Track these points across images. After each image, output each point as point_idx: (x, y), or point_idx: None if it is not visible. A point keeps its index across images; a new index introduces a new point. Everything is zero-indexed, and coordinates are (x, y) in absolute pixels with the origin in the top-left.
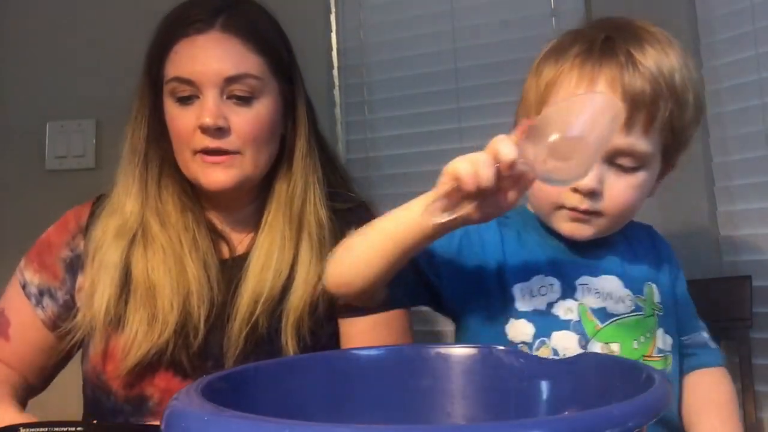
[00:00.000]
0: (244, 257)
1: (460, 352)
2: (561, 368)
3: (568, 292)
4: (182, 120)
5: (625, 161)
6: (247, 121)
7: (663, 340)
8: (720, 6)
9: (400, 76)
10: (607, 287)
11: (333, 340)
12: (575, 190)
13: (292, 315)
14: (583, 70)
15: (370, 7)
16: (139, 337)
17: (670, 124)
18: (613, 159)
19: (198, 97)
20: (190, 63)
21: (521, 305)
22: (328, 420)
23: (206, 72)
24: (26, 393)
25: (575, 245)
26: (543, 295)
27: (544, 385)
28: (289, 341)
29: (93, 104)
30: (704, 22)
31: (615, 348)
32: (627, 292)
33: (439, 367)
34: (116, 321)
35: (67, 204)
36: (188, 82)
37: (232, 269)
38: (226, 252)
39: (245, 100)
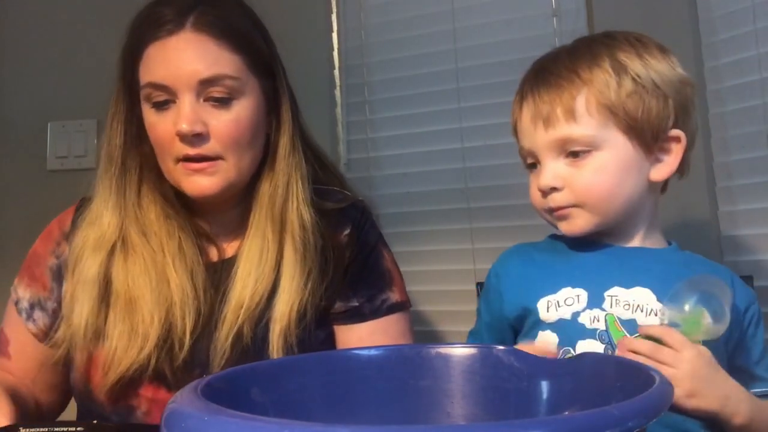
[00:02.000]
0: (233, 261)
1: (460, 352)
2: (561, 368)
3: (595, 302)
4: (160, 127)
5: (575, 148)
6: (226, 124)
7: None
8: (721, 6)
9: (401, 76)
10: (638, 299)
11: (324, 346)
12: (541, 193)
13: (278, 324)
14: (516, 97)
15: (371, 7)
16: (119, 353)
17: (600, 105)
18: (561, 152)
19: (174, 102)
20: (163, 67)
21: (546, 317)
22: (328, 420)
23: (180, 75)
24: (34, 409)
25: (617, 259)
26: (569, 305)
27: (544, 385)
28: (275, 352)
29: (94, 104)
30: (705, 21)
31: None
32: (661, 306)
33: (439, 367)
34: (97, 335)
35: (69, 204)
36: (162, 87)
37: (221, 273)
38: (214, 255)
39: (224, 102)
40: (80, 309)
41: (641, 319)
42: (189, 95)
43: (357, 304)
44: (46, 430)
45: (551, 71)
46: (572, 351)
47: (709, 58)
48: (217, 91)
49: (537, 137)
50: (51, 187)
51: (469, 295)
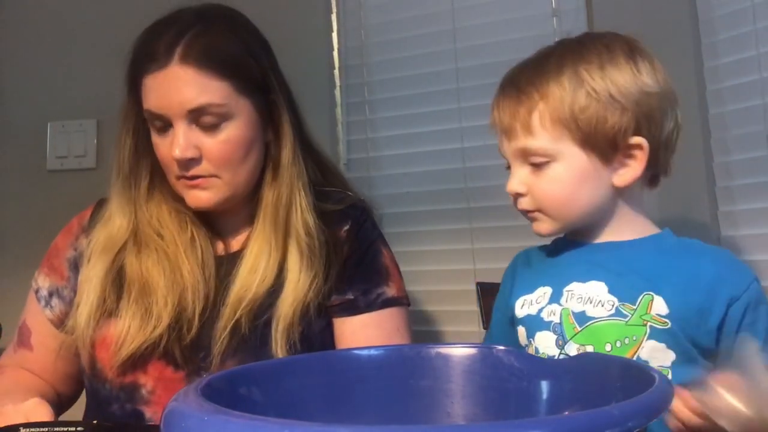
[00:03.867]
0: (237, 255)
1: (460, 352)
2: (561, 368)
3: (556, 297)
4: (161, 149)
5: (534, 159)
6: (216, 146)
7: (653, 352)
8: (721, 6)
9: (400, 76)
10: (590, 292)
11: (324, 334)
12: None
13: (282, 323)
14: (492, 101)
15: (370, 7)
16: (132, 332)
17: (554, 119)
18: (525, 160)
19: (171, 126)
20: (156, 98)
21: (519, 313)
22: (328, 420)
23: (171, 106)
24: (57, 403)
25: (582, 255)
26: (538, 303)
27: (544, 385)
28: (279, 350)
29: (94, 104)
30: (705, 21)
31: (589, 350)
32: (611, 297)
33: (439, 367)
34: (108, 313)
35: (69, 204)
36: (158, 116)
37: (226, 266)
38: (221, 249)
39: (213, 126)
40: (83, 307)
41: (589, 310)
42: (181, 123)
43: (352, 297)
44: (46, 430)
45: (514, 84)
46: (532, 341)
47: (709, 58)
48: (206, 118)
49: (503, 145)
50: (51, 187)
51: (469, 295)
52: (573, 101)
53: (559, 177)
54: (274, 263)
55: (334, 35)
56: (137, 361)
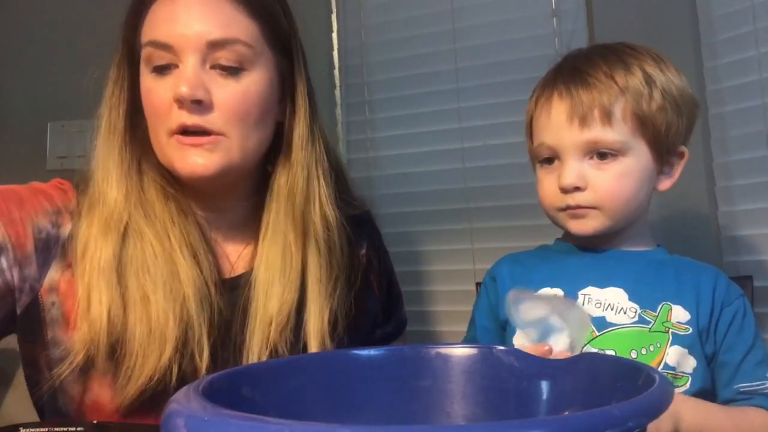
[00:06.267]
0: (248, 276)
1: (460, 352)
2: (561, 368)
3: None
4: (157, 93)
5: (602, 151)
6: (234, 95)
7: (678, 358)
8: (720, 6)
9: (400, 76)
10: (610, 299)
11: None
12: (562, 191)
13: (314, 341)
14: (543, 92)
15: (370, 7)
16: (139, 361)
17: (634, 114)
18: (588, 153)
19: (177, 66)
20: (169, 24)
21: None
22: (328, 420)
23: (186, 34)
24: None
25: (597, 261)
26: None
27: (544, 385)
28: None
29: (94, 104)
30: (705, 22)
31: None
32: (632, 305)
33: (439, 367)
34: (122, 328)
35: None
36: (165, 46)
37: (235, 290)
38: (226, 270)
39: (233, 71)
40: (98, 299)
41: (610, 316)
42: (194, 57)
43: (391, 329)
44: (46, 430)
45: (589, 73)
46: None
47: (709, 58)
48: (226, 58)
49: (567, 135)
50: None
51: (469, 295)
52: (651, 99)
53: (628, 172)
54: (296, 266)
55: (334, 35)
56: (147, 403)
